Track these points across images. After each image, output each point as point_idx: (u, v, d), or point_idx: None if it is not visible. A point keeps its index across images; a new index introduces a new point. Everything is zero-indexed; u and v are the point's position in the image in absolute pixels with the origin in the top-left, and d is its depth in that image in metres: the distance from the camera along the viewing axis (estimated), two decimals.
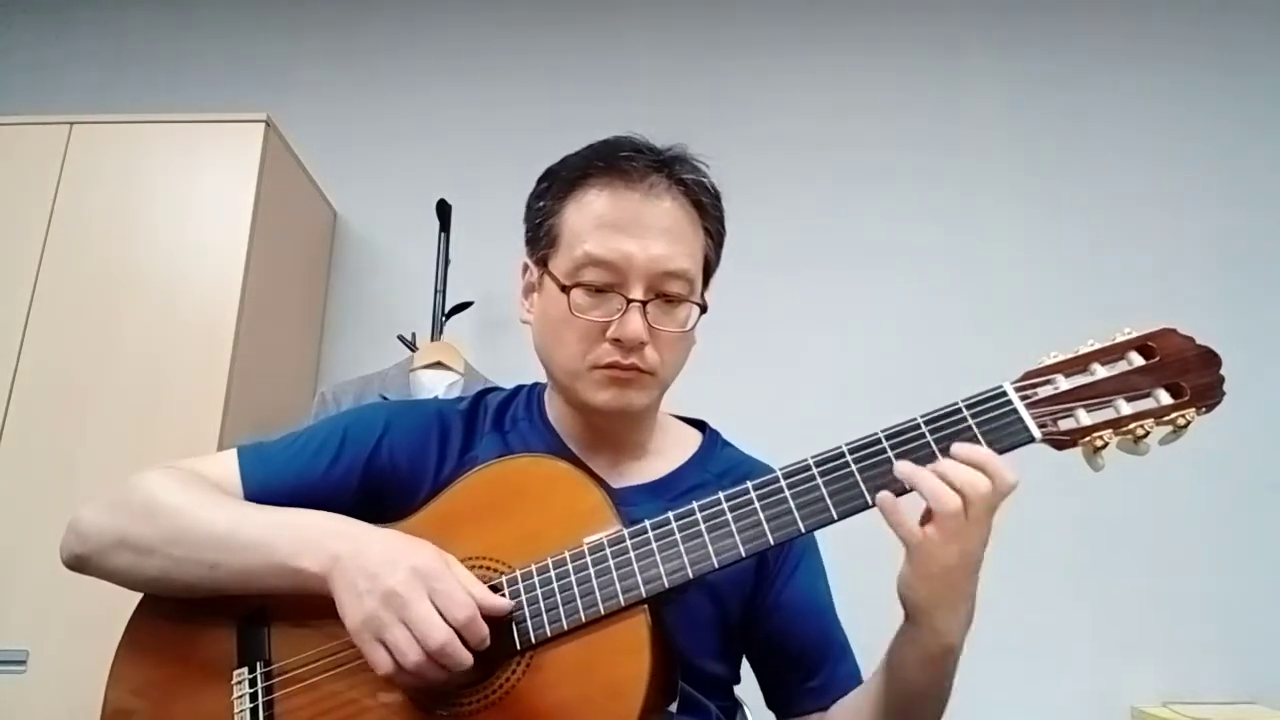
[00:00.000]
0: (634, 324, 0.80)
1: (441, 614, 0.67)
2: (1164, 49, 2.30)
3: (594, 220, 0.83)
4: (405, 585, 0.67)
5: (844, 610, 0.94)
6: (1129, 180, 2.20)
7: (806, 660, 0.89)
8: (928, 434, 0.70)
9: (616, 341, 0.81)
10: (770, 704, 0.92)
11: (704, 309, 0.87)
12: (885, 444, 0.70)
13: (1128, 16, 2.33)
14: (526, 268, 0.91)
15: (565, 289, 0.82)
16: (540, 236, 0.88)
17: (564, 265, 0.84)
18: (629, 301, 0.81)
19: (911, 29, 2.36)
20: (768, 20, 2.39)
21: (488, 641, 0.69)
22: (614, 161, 0.84)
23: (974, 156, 2.25)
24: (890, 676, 0.76)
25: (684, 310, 0.85)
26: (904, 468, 0.68)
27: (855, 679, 0.88)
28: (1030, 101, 2.28)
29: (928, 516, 0.67)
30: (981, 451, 0.67)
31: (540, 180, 0.90)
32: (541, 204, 0.88)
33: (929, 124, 2.28)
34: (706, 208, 0.87)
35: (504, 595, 0.73)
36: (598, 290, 0.82)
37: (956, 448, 0.68)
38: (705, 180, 0.87)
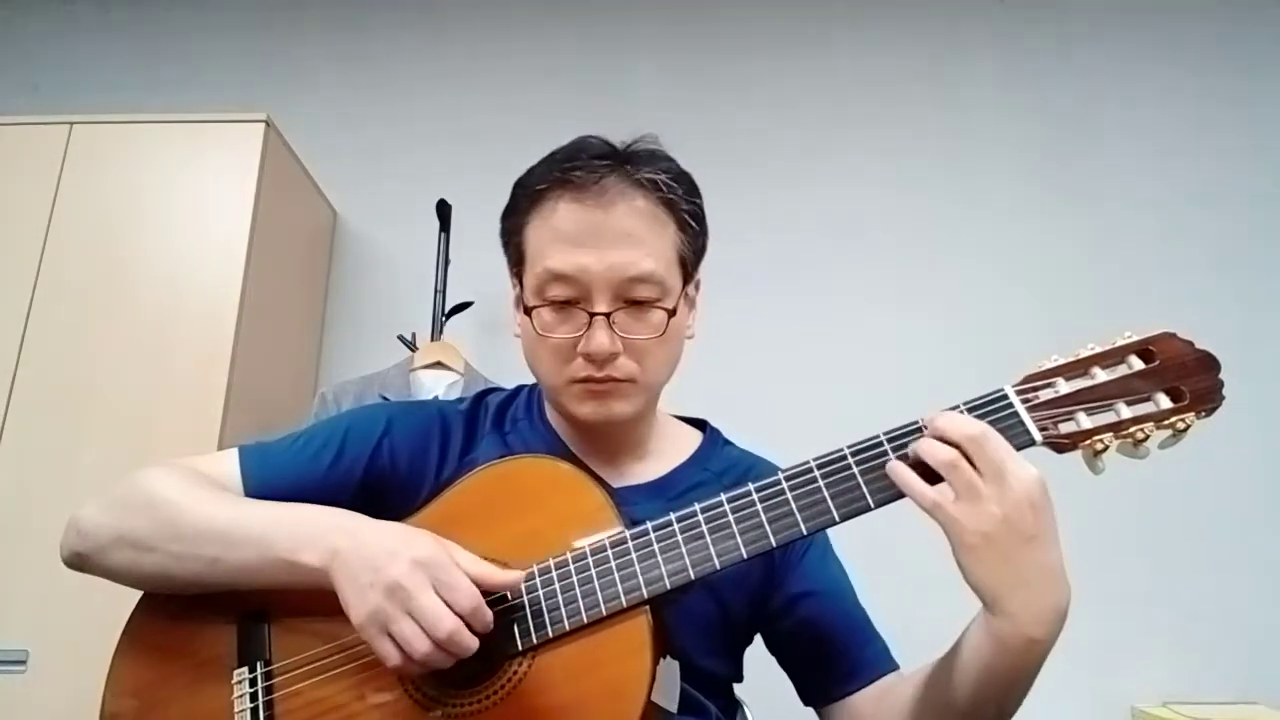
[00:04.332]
0: (598, 339, 0.79)
1: (446, 603, 0.67)
2: (1163, 51, 2.30)
3: (551, 235, 0.81)
4: (409, 577, 0.67)
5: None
6: (1129, 183, 2.20)
7: (833, 645, 0.87)
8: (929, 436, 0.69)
9: (588, 356, 0.81)
10: (805, 698, 0.90)
11: (673, 313, 0.82)
12: (886, 445, 0.71)
13: (1126, 18, 2.33)
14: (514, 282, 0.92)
15: (528, 311, 0.82)
16: (511, 254, 0.88)
17: (531, 283, 0.83)
18: (592, 316, 0.80)
19: (912, 29, 2.36)
20: (770, 24, 2.39)
21: (491, 625, 0.69)
22: (567, 171, 0.81)
23: (974, 160, 2.25)
24: (963, 665, 0.70)
25: (657, 314, 0.82)
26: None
27: (886, 657, 0.87)
28: (1030, 105, 2.28)
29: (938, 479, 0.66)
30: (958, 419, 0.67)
31: (510, 195, 0.88)
32: (509, 221, 0.88)
33: (928, 127, 2.28)
34: (674, 200, 0.83)
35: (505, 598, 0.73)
36: (563, 305, 0.81)
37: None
38: (666, 175, 0.83)
